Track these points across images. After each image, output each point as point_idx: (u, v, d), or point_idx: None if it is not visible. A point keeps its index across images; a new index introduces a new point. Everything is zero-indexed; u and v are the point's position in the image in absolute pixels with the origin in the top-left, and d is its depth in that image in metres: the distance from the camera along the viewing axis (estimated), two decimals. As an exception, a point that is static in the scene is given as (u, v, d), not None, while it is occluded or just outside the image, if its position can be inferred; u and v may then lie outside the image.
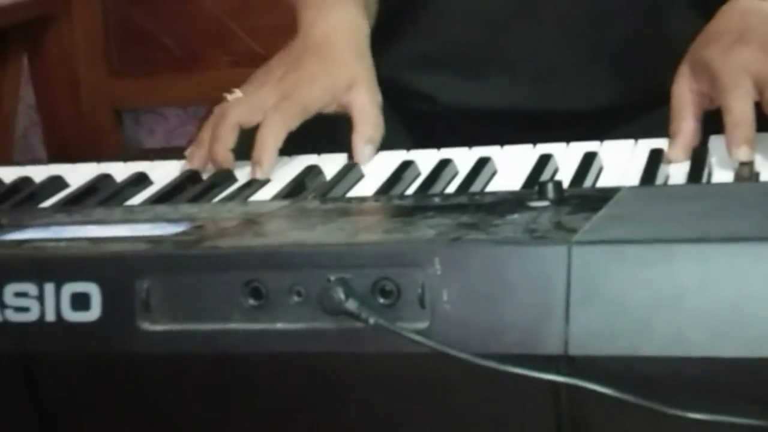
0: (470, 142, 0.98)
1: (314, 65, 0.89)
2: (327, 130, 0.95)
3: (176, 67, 1.79)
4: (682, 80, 0.79)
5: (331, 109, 0.88)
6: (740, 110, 0.71)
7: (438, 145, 0.99)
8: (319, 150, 0.88)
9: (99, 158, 0.96)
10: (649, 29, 0.95)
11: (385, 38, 1.04)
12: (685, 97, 0.78)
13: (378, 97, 0.90)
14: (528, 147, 0.83)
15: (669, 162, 0.75)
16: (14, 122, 1.73)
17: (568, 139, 0.90)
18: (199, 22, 1.78)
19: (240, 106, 0.86)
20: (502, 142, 0.96)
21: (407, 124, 1.05)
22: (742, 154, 0.70)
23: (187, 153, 0.88)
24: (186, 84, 1.77)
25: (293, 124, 0.84)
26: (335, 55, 0.90)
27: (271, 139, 0.83)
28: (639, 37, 0.95)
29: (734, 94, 0.72)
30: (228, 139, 0.84)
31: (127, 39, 1.81)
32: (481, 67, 1.00)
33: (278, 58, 0.92)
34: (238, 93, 0.89)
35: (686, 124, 0.77)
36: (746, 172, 0.69)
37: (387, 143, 1.01)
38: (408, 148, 1.03)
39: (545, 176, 0.75)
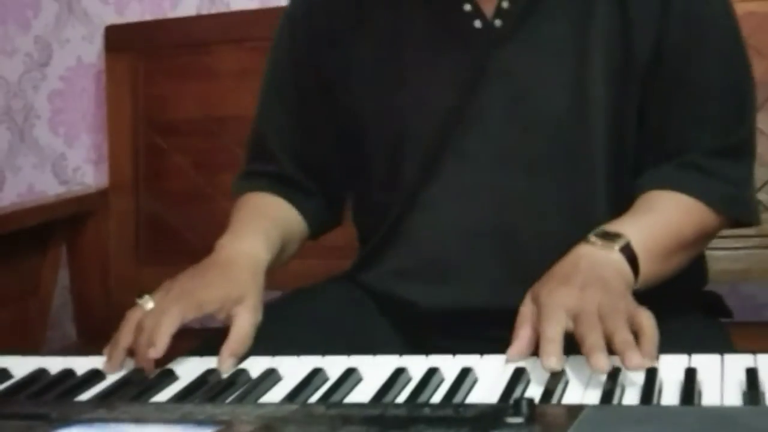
0: (451, 338, 1.02)
1: (214, 277, 0.96)
2: (331, 334, 0.99)
3: (195, 258, 1.79)
4: (525, 304, 0.89)
5: (221, 316, 0.93)
6: (551, 333, 0.81)
7: (424, 343, 1.03)
8: (324, 351, 0.91)
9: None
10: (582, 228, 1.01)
11: (374, 258, 1.11)
12: (526, 316, 0.87)
13: (257, 318, 0.95)
14: (503, 357, 0.86)
15: (509, 360, 0.84)
16: (51, 304, 1.75)
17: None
18: (217, 220, 1.79)
19: (151, 318, 0.91)
20: (479, 338, 0.99)
21: (397, 325, 1.09)
22: (552, 363, 0.79)
23: (105, 351, 0.92)
24: None
25: (188, 316, 0.90)
26: (233, 274, 0.96)
27: (166, 327, 0.88)
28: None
29: (548, 324, 0.83)
30: (148, 348, 0.88)
31: (154, 233, 1.84)
32: (453, 276, 1.05)
33: (187, 271, 0.98)
34: (147, 298, 0.95)
35: (524, 332, 0.86)
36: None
37: (381, 344, 1.05)
38: (399, 345, 1.07)
39: (519, 388, 0.78)
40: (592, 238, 0.94)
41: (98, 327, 1.77)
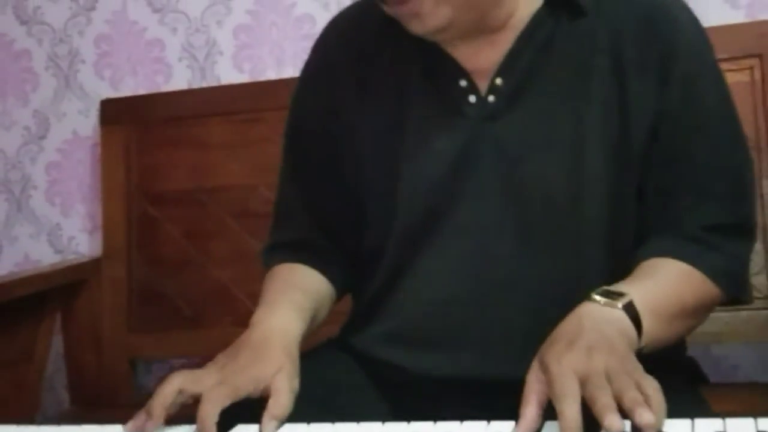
0: (436, 406, 1.02)
1: (248, 359, 0.94)
2: (318, 401, 0.99)
3: (185, 325, 1.79)
4: (532, 372, 0.85)
5: (257, 393, 0.92)
6: (569, 414, 0.78)
7: (409, 409, 1.02)
8: (311, 418, 0.91)
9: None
10: (574, 302, 0.99)
11: (363, 320, 1.11)
12: (533, 387, 0.84)
13: (295, 385, 0.94)
14: (483, 424, 0.86)
15: None
16: (45, 370, 1.74)
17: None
18: (207, 287, 1.81)
19: (184, 376, 0.91)
20: (464, 406, 0.99)
21: (384, 390, 1.09)
22: None
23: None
24: (193, 339, 1.79)
25: (225, 402, 0.88)
26: (267, 352, 0.95)
27: (209, 414, 0.86)
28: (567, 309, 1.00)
29: (565, 401, 0.79)
30: (167, 397, 0.88)
31: (146, 301, 1.84)
32: (442, 342, 1.04)
33: (224, 352, 0.97)
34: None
35: (530, 409, 0.82)
36: None
37: (365, 409, 1.04)
38: (383, 412, 1.06)
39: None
40: (596, 296, 0.92)
41: (91, 393, 1.76)
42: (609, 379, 0.80)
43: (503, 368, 0.99)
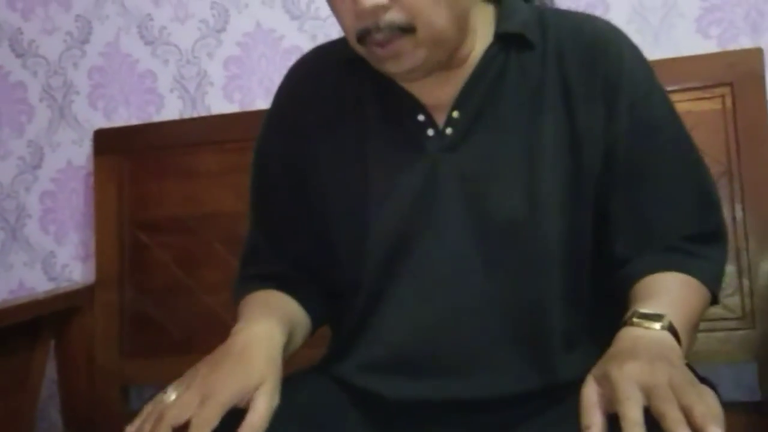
0: (418, 428, 1.03)
1: (232, 367, 0.93)
2: (304, 425, 1.00)
3: (176, 350, 1.79)
4: (589, 385, 0.85)
5: (242, 405, 0.91)
6: (633, 415, 0.77)
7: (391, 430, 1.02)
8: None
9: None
10: (538, 321, 1.02)
11: (342, 352, 1.11)
12: (593, 398, 0.83)
13: (275, 402, 0.94)
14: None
15: None
16: (38, 397, 1.73)
17: (498, 421, 0.92)
18: (198, 313, 1.81)
19: (172, 410, 0.89)
20: (444, 428, 0.99)
21: (367, 416, 1.09)
22: None
23: None
24: (184, 364, 1.77)
25: (215, 421, 0.88)
26: (250, 360, 0.95)
27: None
28: (543, 330, 1.02)
29: (628, 404, 0.78)
30: None
31: (137, 326, 1.83)
32: (417, 367, 1.06)
33: (205, 360, 0.97)
34: (170, 391, 0.93)
35: (596, 418, 0.82)
36: None
37: (347, 429, 1.05)
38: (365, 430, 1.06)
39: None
40: (636, 320, 0.92)
41: (84, 418, 1.76)
42: (674, 391, 0.79)
43: (481, 389, 1.02)
